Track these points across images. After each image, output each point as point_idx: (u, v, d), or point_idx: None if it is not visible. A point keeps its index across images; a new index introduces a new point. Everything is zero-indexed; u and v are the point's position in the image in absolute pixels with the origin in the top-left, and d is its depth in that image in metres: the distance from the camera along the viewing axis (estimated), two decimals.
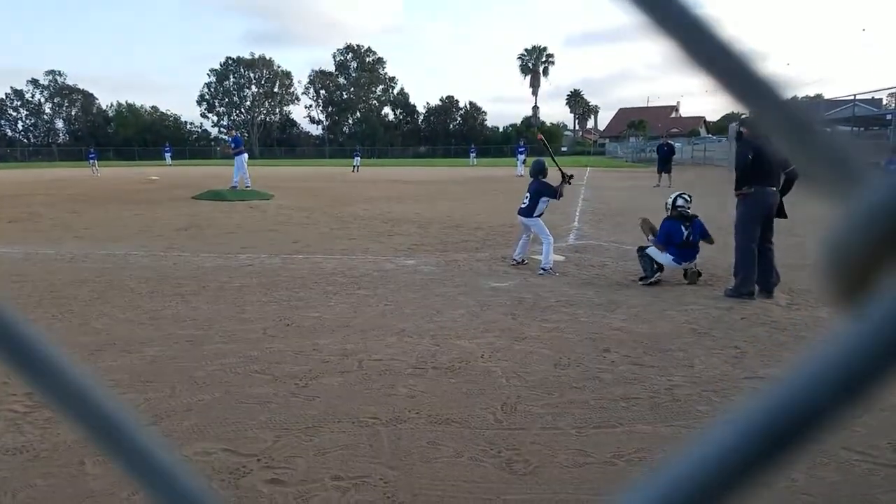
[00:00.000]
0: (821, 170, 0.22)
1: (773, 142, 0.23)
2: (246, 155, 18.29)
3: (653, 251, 6.37)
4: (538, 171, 7.34)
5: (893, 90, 24.92)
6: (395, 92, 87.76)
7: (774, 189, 5.82)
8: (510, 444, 2.94)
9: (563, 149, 72.84)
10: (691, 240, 6.32)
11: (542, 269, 6.87)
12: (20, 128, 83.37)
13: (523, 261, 7.33)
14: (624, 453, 2.87)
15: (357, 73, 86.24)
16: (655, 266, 6.35)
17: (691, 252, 6.35)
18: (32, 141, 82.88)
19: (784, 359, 4.12)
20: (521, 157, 29.76)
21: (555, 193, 7.18)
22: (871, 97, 26.65)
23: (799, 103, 0.23)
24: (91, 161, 36.12)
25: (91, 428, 0.31)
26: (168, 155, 48.29)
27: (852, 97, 23.63)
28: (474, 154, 47.89)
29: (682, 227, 6.32)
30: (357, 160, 36.78)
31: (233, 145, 18.55)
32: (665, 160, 21.91)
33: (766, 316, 5.12)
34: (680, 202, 6.46)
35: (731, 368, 3.94)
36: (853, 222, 0.21)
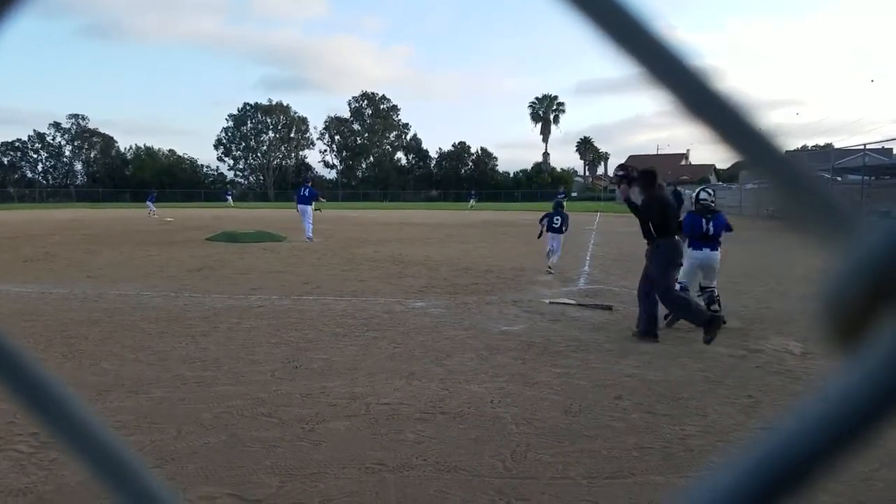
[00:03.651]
0: (812, 218, 0.22)
1: (768, 191, 0.23)
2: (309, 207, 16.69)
3: (685, 280, 6.54)
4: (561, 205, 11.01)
5: None
6: (408, 137, 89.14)
7: (679, 238, 6.09)
8: (520, 493, 2.88)
9: (574, 194, 73.30)
10: (711, 233, 6.54)
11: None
12: (40, 169, 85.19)
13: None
14: None
15: (371, 120, 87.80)
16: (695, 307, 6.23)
17: (712, 245, 6.56)
18: (51, 182, 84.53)
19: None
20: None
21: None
22: (881, 146, 26.72)
23: (791, 154, 0.23)
24: (149, 202, 35.53)
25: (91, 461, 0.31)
26: (229, 197, 49.81)
27: (863, 146, 23.71)
28: (474, 198, 48.52)
29: (703, 220, 6.57)
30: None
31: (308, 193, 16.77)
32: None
33: (779, 365, 5.04)
34: (703, 196, 6.73)
35: (746, 418, 3.86)
36: (846, 271, 0.21)
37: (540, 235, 10.93)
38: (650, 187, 6.12)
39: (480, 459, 3.24)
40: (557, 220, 10.55)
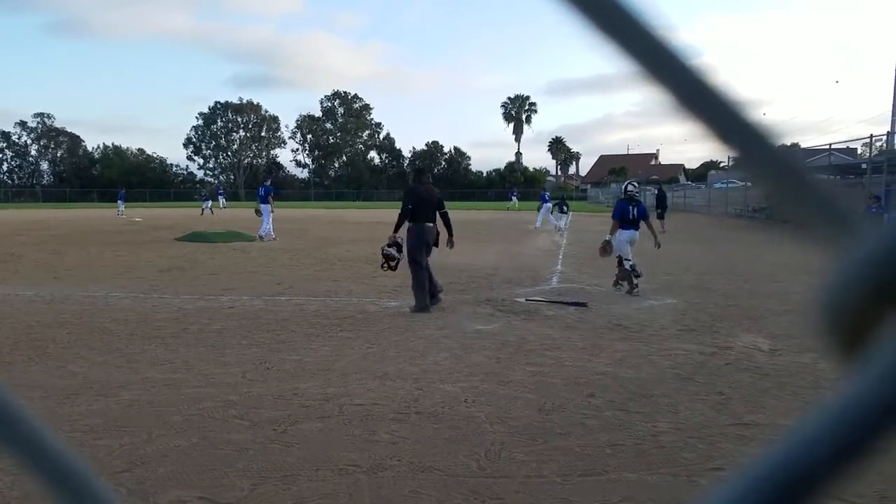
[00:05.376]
0: (811, 217, 0.22)
1: (759, 187, 0.23)
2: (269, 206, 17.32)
3: (623, 252, 8.31)
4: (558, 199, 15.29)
5: (867, 140, 25.64)
6: (381, 137, 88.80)
7: (431, 225, 7.37)
8: (494, 492, 2.88)
9: (547, 194, 73.70)
10: (635, 218, 8.44)
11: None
12: (5, 169, 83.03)
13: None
14: (610, 502, 2.82)
15: (344, 119, 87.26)
16: (633, 275, 8.20)
17: (635, 227, 8.46)
18: (17, 182, 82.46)
19: (768, 405, 4.11)
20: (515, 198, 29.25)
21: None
22: (846, 146, 27.38)
23: (789, 151, 0.23)
24: (119, 202, 34.60)
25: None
26: (222, 197, 44.39)
27: (828, 146, 24.28)
28: (517, 196, 44.60)
29: (630, 208, 8.41)
30: None
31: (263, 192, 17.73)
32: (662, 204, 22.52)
33: (748, 361, 5.13)
34: (630, 188, 8.65)
35: (716, 415, 3.92)
36: (848, 275, 0.20)
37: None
38: (415, 181, 7.70)
39: (455, 459, 3.24)
40: (564, 207, 20.80)
